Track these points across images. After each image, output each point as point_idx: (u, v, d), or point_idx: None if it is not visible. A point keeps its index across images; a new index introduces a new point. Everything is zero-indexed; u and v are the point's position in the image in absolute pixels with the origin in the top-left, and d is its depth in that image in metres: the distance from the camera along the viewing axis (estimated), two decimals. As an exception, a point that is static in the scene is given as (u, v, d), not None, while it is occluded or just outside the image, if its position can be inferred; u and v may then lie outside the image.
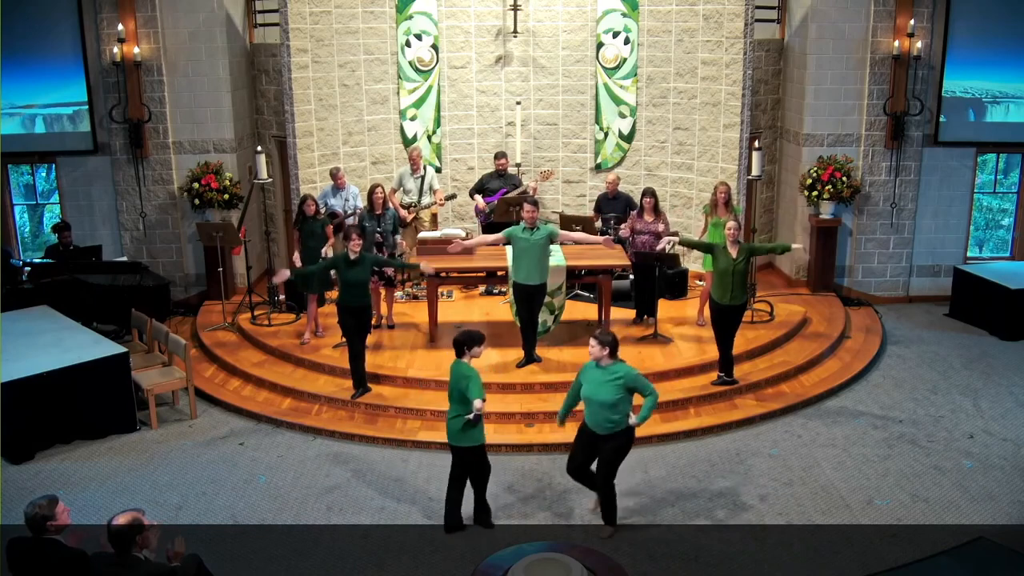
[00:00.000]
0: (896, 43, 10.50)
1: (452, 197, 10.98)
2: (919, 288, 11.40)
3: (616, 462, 6.40)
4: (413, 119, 11.48)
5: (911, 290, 11.41)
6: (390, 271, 9.47)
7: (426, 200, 10.67)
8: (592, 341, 6.28)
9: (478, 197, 10.92)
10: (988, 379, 9.17)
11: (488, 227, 10.82)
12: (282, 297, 10.38)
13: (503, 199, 10.64)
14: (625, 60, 11.33)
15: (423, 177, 10.66)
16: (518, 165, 11.37)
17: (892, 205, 11.04)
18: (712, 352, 8.78)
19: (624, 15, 11.20)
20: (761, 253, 8.64)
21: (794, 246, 8.92)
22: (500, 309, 10.20)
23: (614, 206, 10.50)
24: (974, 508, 6.87)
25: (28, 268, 9.86)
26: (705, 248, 8.53)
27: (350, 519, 6.80)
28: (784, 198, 11.77)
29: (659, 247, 8.91)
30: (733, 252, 8.24)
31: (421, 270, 8.67)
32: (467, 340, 6.40)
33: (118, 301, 9.68)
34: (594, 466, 6.52)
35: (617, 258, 9.44)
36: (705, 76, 11.02)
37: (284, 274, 8.43)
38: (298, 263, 9.60)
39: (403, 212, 10.51)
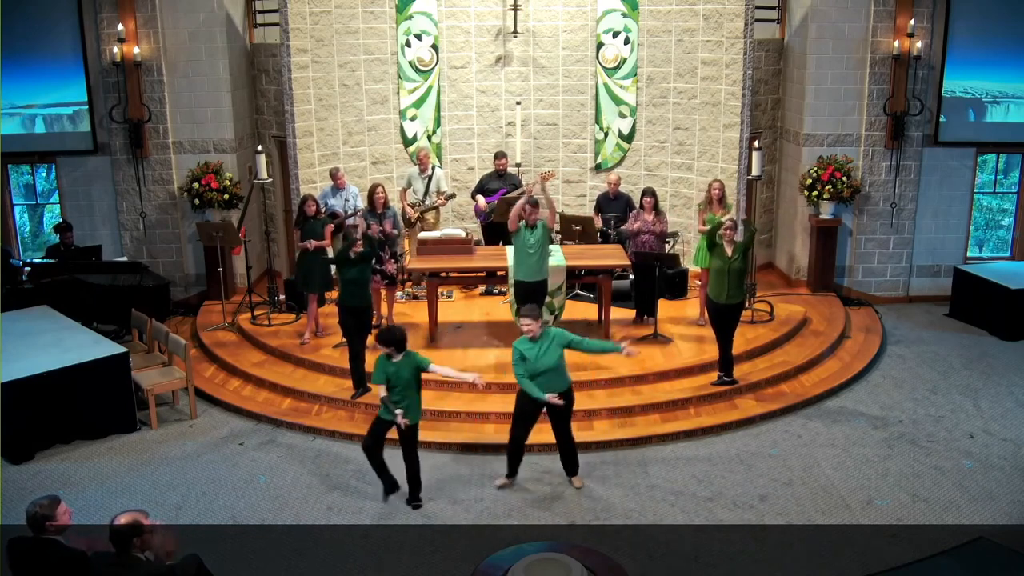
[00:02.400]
0: (896, 43, 10.50)
1: (452, 197, 10.97)
2: (919, 288, 11.40)
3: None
4: (413, 119, 11.47)
5: (911, 290, 11.41)
6: (390, 267, 9.46)
7: (431, 201, 10.68)
8: (527, 320, 6.67)
9: (479, 197, 10.91)
10: (988, 379, 9.17)
11: (488, 227, 10.85)
12: (282, 297, 10.38)
13: (503, 199, 10.63)
14: (625, 60, 11.33)
15: (430, 177, 10.68)
16: (518, 165, 11.36)
17: (892, 205, 11.03)
18: (712, 352, 8.78)
19: (624, 15, 11.19)
20: (748, 241, 8.59)
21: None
22: (500, 309, 10.20)
23: (614, 206, 10.50)
24: (974, 508, 6.87)
25: (28, 268, 9.86)
26: (711, 241, 8.51)
27: (350, 519, 6.80)
28: (784, 198, 11.77)
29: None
30: (728, 250, 8.27)
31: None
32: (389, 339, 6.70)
33: (118, 301, 9.68)
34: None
35: (617, 258, 9.45)
36: (705, 76, 11.02)
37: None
38: (310, 246, 9.37)
39: (409, 211, 10.56)
